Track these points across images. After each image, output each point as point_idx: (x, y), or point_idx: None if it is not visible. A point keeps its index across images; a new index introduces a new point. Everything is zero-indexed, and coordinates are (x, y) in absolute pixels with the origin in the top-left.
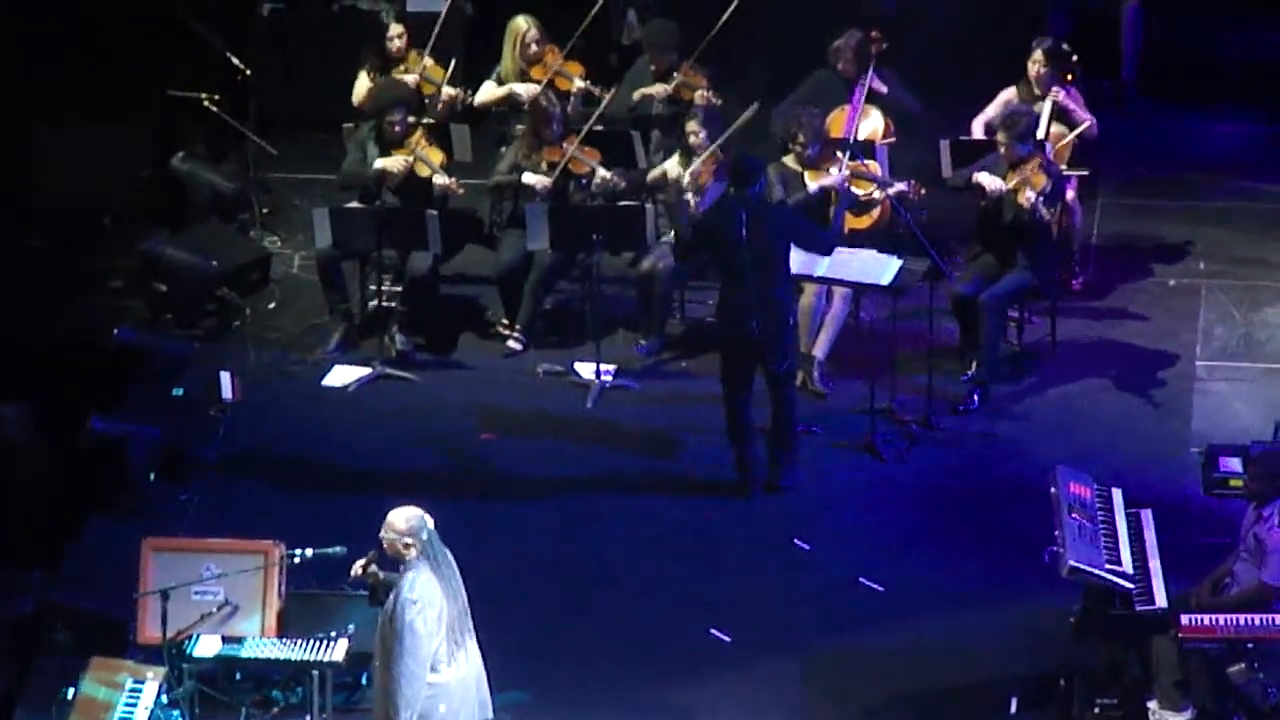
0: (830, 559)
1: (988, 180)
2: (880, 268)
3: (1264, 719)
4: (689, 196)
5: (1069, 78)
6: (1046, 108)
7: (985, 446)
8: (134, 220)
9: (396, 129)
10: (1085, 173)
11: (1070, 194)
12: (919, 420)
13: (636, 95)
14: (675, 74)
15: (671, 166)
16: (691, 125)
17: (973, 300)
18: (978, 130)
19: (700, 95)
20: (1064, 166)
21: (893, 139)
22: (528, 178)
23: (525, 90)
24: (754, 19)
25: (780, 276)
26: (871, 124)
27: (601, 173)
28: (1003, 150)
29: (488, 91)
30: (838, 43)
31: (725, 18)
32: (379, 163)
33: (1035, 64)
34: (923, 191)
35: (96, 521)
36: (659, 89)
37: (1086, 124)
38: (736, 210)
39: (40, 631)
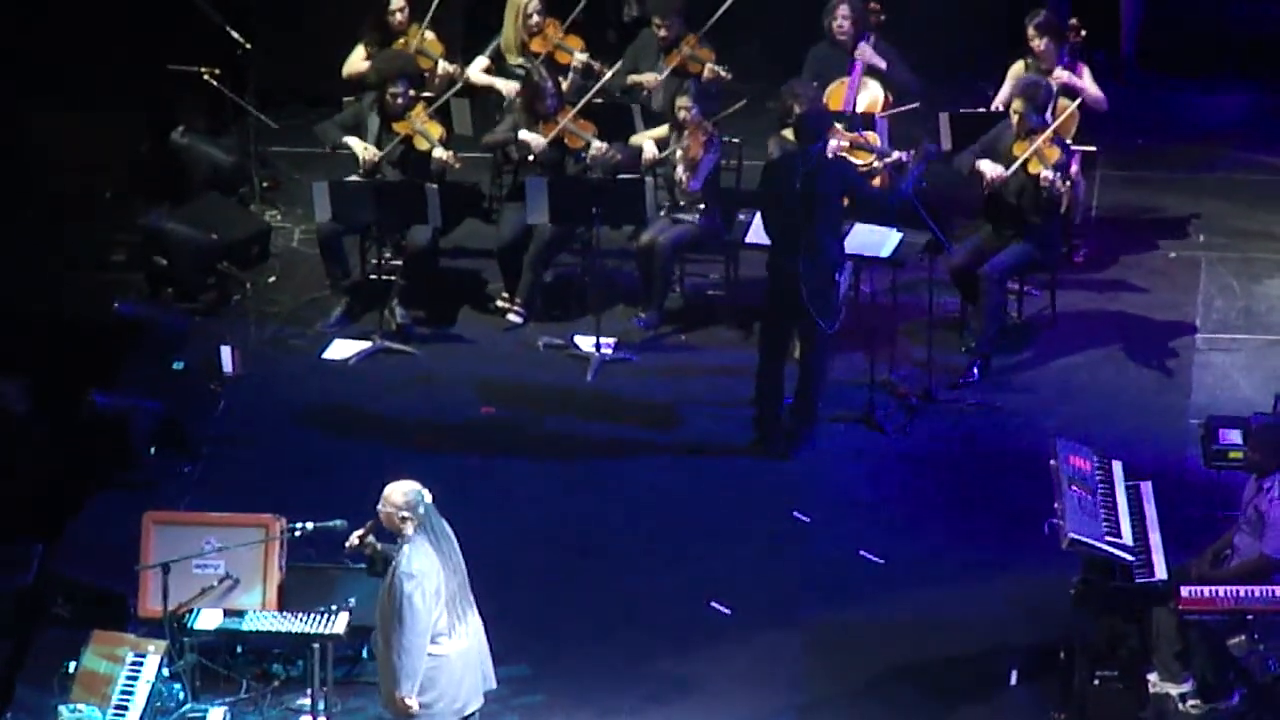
0: (830, 531)
1: (989, 169)
2: (880, 240)
3: (1264, 690)
4: (680, 173)
5: (1075, 45)
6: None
7: (985, 419)
8: (134, 194)
9: (399, 101)
10: (1092, 149)
11: (1074, 167)
12: (919, 393)
13: (629, 80)
14: (681, 44)
15: (646, 144)
16: (683, 100)
17: (970, 271)
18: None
19: (709, 69)
20: (1069, 140)
21: (891, 109)
22: (524, 134)
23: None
24: None
25: (831, 230)
26: (870, 95)
27: (596, 144)
28: (1015, 120)
29: (479, 73)
30: (830, 9)
31: None
32: (349, 142)
33: (1033, 40)
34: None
35: (97, 495)
36: (649, 78)
37: (1096, 96)
38: (796, 165)
39: (41, 605)
